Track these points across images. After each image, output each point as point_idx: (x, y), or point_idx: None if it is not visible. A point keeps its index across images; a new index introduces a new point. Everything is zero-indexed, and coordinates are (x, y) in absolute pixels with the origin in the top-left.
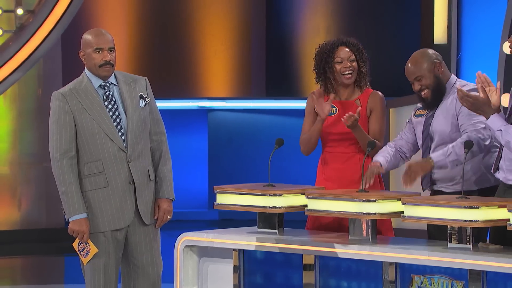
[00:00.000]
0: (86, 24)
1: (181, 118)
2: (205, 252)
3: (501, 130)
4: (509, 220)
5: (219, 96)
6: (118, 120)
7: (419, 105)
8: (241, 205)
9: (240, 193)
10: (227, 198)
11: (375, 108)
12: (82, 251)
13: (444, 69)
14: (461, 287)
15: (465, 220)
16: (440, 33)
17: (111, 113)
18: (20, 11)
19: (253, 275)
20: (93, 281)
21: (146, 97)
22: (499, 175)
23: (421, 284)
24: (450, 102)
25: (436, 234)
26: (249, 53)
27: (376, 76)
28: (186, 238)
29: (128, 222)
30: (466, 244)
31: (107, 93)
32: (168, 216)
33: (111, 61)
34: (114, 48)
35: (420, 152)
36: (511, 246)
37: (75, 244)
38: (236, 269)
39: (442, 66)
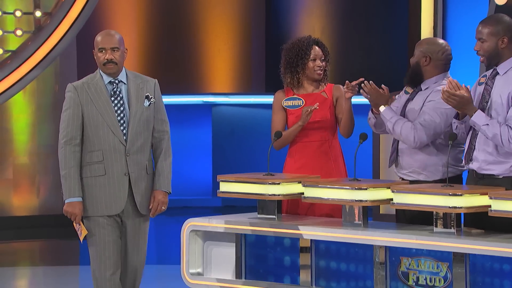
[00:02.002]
0: (99, 25)
1: (187, 112)
2: (209, 236)
3: (487, 124)
4: (490, 206)
5: (222, 91)
6: (122, 115)
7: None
8: (242, 193)
9: (241, 182)
10: (230, 186)
11: (340, 97)
12: (77, 231)
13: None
14: (445, 268)
15: (449, 207)
16: (426, 33)
17: (116, 108)
18: (38, 13)
19: (253, 258)
20: (96, 259)
21: (151, 97)
22: (473, 165)
23: (409, 265)
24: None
25: (401, 218)
26: (249, 52)
27: (367, 73)
28: (192, 223)
29: (119, 210)
30: (451, 228)
31: (114, 89)
32: (163, 207)
33: (113, 60)
34: (118, 48)
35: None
36: (490, 230)
37: (74, 225)
38: (237, 252)
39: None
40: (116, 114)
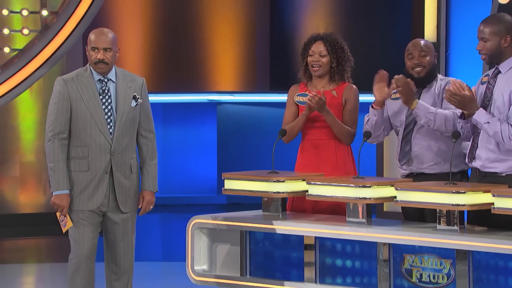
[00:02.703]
0: (105, 24)
1: (192, 110)
2: (214, 233)
3: (488, 122)
4: (493, 204)
5: (227, 90)
6: (109, 114)
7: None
8: (247, 190)
9: (246, 179)
10: (234, 184)
11: (350, 99)
12: (61, 222)
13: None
14: (449, 265)
15: (452, 204)
16: (430, 32)
17: (104, 106)
18: (45, 12)
19: (258, 255)
20: (76, 242)
21: (138, 98)
22: (476, 163)
23: (412, 262)
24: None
25: (411, 216)
26: (254, 50)
27: (370, 71)
28: (197, 220)
29: (96, 206)
30: (454, 226)
31: (103, 88)
32: (151, 206)
33: (104, 60)
34: (111, 49)
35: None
36: (493, 227)
37: (57, 214)
38: (242, 249)
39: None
40: (104, 113)
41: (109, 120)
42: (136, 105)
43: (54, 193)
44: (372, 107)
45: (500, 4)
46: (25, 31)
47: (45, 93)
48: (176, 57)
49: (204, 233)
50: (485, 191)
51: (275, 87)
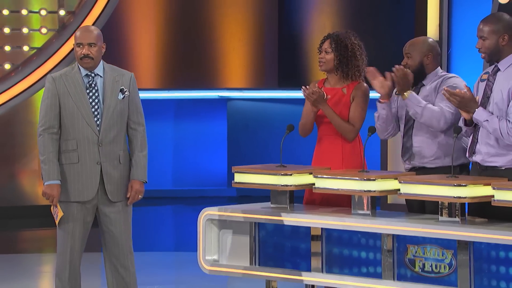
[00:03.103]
0: (120, 24)
1: (203, 106)
2: (224, 224)
3: (487, 120)
4: (493, 196)
5: (237, 87)
6: (96, 107)
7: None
8: (256, 183)
9: (255, 173)
10: (244, 177)
11: (357, 96)
12: (54, 214)
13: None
14: (450, 255)
15: (454, 197)
16: (432, 31)
17: (90, 100)
18: (62, 12)
19: (266, 245)
20: (62, 241)
21: (126, 91)
22: (476, 158)
23: (415, 253)
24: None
25: (413, 208)
26: (262, 49)
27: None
28: (208, 212)
29: (91, 197)
30: (455, 217)
31: (90, 82)
32: (140, 196)
33: (89, 55)
34: (95, 44)
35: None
36: (493, 219)
37: (51, 209)
38: (251, 239)
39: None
40: (91, 106)
41: (96, 113)
42: (123, 98)
43: (45, 183)
44: (379, 101)
45: (500, 4)
46: (44, 30)
47: None
48: (188, 55)
49: (215, 224)
50: (485, 184)
51: (283, 84)
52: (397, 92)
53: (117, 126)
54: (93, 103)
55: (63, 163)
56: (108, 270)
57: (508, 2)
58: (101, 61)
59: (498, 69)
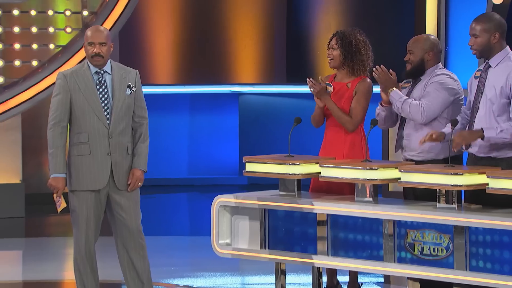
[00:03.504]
0: (139, 23)
1: (216, 100)
2: (236, 211)
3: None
4: (488, 184)
5: (248, 82)
6: (106, 102)
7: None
8: (266, 172)
9: (265, 163)
10: (255, 167)
11: (359, 91)
12: (56, 203)
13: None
14: (447, 239)
15: (451, 185)
16: (431, 29)
17: (100, 95)
18: (85, 13)
19: (275, 230)
20: (78, 228)
21: (133, 87)
22: (472, 150)
23: (415, 237)
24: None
25: (409, 195)
26: (272, 46)
27: (377, 64)
28: (221, 199)
29: (102, 186)
30: (452, 204)
31: (100, 79)
32: (140, 183)
33: (100, 53)
34: (106, 43)
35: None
36: (488, 206)
37: (54, 196)
38: (261, 225)
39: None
40: (101, 101)
41: (105, 108)
42: (130, 93)
43: (51, 176)
44: (381, 104)
45: (494, 4)
46: (68, 30)
47: None
48: (203, 53)
49: (227, 210)
50: (480, 173)
51: (291, 79)
52: (382, 90)
53: (125, 120)
54: (103, 99)
55: (75, 154)
56: (120, 254)
57: (502, 2)
58: (109, 60)
59: (489, 66)
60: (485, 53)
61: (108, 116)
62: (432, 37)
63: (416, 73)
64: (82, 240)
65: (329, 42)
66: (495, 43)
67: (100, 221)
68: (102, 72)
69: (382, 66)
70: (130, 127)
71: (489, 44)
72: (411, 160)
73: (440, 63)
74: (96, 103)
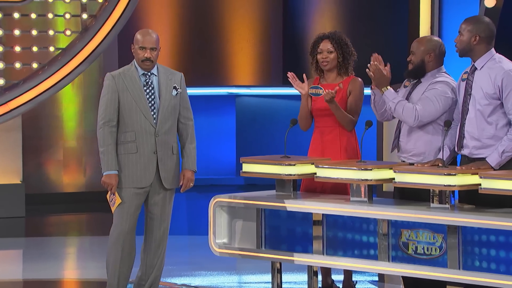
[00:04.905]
0: (137, 26)
1: (214, 102)
2: (233, 210)
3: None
4: (480, 184)
5: (245, 84)
6: (152, 102)
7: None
8: (263, 173)
9: (261, 163)
10: (251, 167)
11: (353, 90)
12: (111, 201)
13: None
14: (441, 239)
15: (444, 185)
16: (424, 32)
17: (147, 96)
18: (85, 16)
19: (271, 230)
20: (120, 217)
21: (179, 88)
22: (464, 151)
23: (409, 236)
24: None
25: (398, 194)
26: (269, 48)
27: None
28: (218, 199)
29: (148, 184)
30: (445, 204)
31: (147, 80)
32: (191, 184)
33: (151, 58)
34: (156, 48)
35: None
36: (480, 205)
37: (107, 196)
38: (258, 224)
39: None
40: (148, 101)
41: (152, 108)
42: (176, 94)
43: (104, 173)
44: (371, 88)
45: (486, 8)
46: (68, 32)
47: (85, 86)
48: (200, 55)
49: (224, 210)
50: (473, 173)
51: (287, 81)
52: (375, 86)
53: (171, 120)
54: (150, 99)
55: (122, 153)
56: (144, 249)
57: (494, 6)
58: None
59: (475, 68)
60: (465, 53)
61: (154, 115)
62: (436, 38)
63: (417, 74)
64: (126, 227)
65: (315, 46)
66: (475, 44)
67: (137, 218)
68: (149, 74)
69: (376, 63)
70: (176, 128)
71: (469, 44)
72: (403, 162)
73: (442, 66)
74: (143, 102)
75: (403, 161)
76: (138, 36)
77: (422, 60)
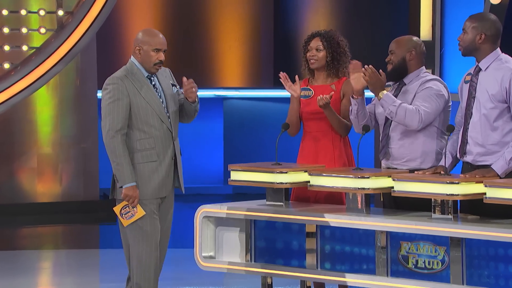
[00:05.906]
0: (118, 24)
1: (200, 105)
2: (220, 222)
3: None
4: (485, 194)
5: (233, 86)
6: (163, 104)
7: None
8: (252, 181)
9: (251, 171)
10: (240, 175)
11: (347, 93)
12: (126, 214)
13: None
14: (443, 252)
15: (447, 194)
16: (425, 31)
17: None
18: (60, 12)
19: (262, 242)
20: (144, 243)
21: (176, 85)
22: (467, 158)
23: (409, 249)
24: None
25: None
26: (259, 48)
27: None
28: (204, 209)
29: (168, 193)
30: (448, 215)
31: (153, 83)
32: (194, 89)
33: (162, 61)
34: (166, 50)
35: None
36: (485, 216)
37: (116, 209)
38: (247, 236)
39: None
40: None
41: (165, 110)
42: (176, 91)
43: (124, 187)
44: (352, 97)
45: (492, 5)
46: (42, 30)
47: (61, 88)
48: (185, 54)
49: (211, 221)
50: (477, 182)
51: (278, 83)
52: (371, 91)
53: (178, 119)
54: (161, 100)
55: (139, 162)
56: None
57: (500, 2)
58: None
59: (480, 69)
60: (470, 52)
61: (169, 119)
62: (415, 38)
63: (399, 74)
64: (152, 261)
65: (306, 44)
66: (480, 43)
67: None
68: (152, 75)
69: (371, 66)
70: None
71: (474, 43)
72: (395, 169)
73: (424, 67)
74: (158, 105)
75: (394, 169)
76: (147, 37)
77: (403, 58)
